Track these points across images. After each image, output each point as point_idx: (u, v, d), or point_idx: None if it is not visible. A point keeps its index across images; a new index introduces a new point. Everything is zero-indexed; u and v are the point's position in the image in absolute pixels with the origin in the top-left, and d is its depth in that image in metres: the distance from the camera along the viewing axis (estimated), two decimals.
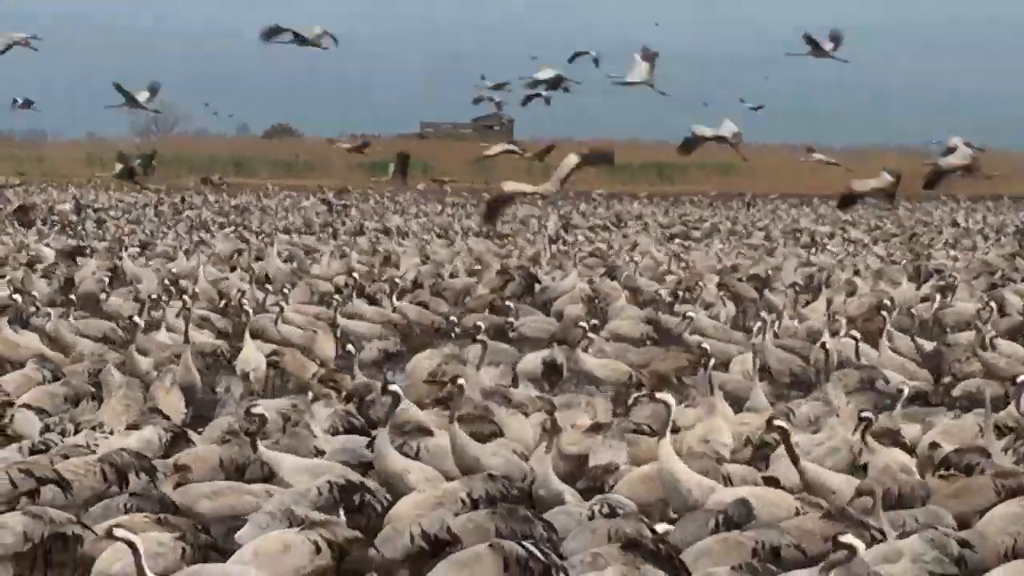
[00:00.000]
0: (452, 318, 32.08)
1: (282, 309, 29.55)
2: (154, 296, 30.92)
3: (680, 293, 37.00)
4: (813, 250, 54.45)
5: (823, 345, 24.98)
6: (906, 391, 21.27)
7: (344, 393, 22.55)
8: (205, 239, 54.47)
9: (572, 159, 23.02)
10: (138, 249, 49.02)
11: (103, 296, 33.86)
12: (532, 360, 26.09)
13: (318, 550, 13.83)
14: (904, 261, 48.26)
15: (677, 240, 59.57)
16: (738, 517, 15.07)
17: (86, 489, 16.05)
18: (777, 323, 27.88)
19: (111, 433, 18.34)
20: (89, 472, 16.26)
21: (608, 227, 69.15)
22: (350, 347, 25.80)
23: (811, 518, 14.96)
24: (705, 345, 24.06)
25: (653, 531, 14.81)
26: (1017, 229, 66.63)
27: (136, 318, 27.19)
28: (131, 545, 12.88)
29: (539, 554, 13.69)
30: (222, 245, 50.96)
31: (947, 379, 25.85)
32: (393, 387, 17.79)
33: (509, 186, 23.60)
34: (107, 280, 37.52)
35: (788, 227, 70.18)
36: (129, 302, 33.50)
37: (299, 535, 13.93)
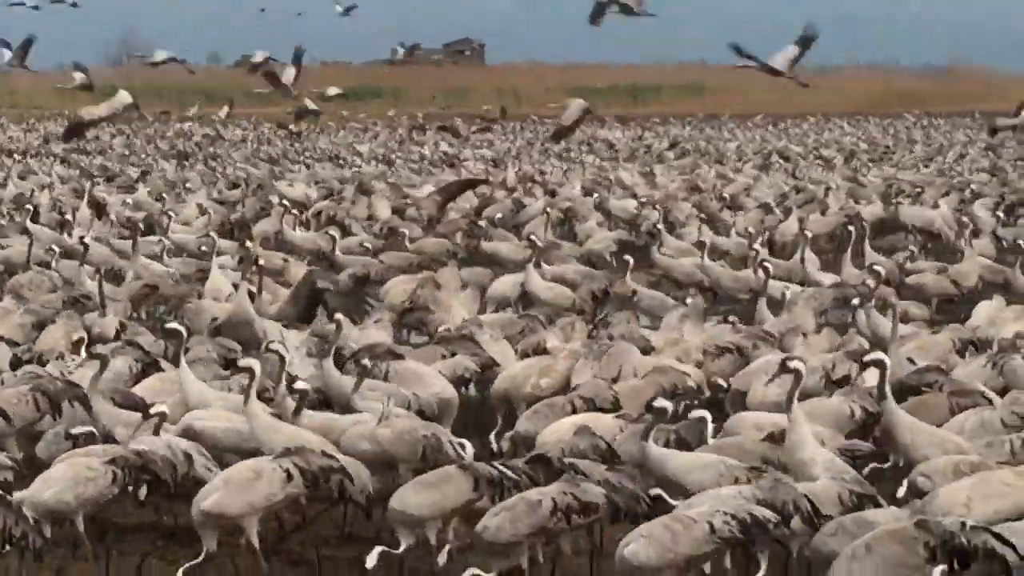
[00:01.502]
0: (366, 243, 30.48)
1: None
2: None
3: (655, 215, 37.05)
4: (784, 169, 54.54)
5: (762, 263, 24.72)
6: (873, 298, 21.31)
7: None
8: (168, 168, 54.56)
9: None
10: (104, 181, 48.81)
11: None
12: (503, 283, 26.06)
13: (289, 478, 13.83)
14: (878, 180, 48.21)
15: (644, 162, 59.47)
16: (691, 438, 15.10)
17: (19, 419, 15.94)
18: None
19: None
20: (21, 401, 16.10)
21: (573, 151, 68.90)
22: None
23: (750, 439, 15.01)
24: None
25: (606, 444, 14.93)
26: (987, 145, 66.57)
27: (88, 239, 27.13)
28: None
29: (511, 473, 13.75)
30: (196, 179, 50.80)
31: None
32: (172, 325, 17.49)
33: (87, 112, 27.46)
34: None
35: (760, 147, 70.11)
36: (53, 233, 32.42)
37: (271, 463, 13.93)
